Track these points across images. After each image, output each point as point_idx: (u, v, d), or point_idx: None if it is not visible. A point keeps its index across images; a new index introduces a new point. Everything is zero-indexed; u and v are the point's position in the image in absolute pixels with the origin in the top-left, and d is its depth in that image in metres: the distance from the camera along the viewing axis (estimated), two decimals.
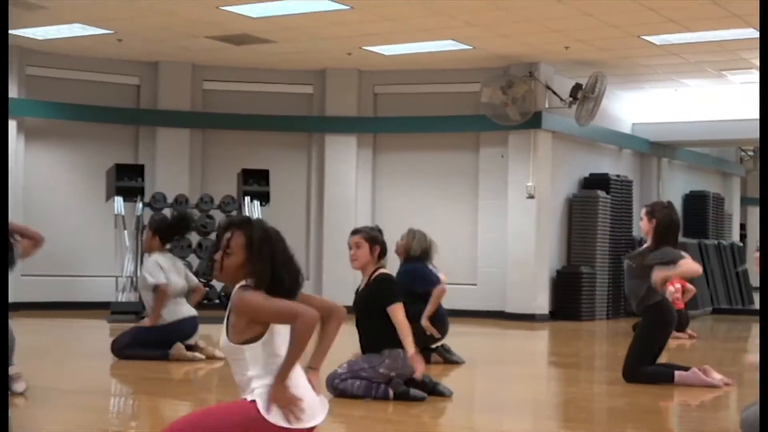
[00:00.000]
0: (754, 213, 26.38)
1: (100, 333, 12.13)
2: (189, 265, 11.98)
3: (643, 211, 8.15)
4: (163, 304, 9.02)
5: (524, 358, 9.60)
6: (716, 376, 7.73)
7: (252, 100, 16.19)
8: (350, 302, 14.85)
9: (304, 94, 16.39)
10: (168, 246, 9.55)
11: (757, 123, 18.57)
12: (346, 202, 16.17)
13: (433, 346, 9.18)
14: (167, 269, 9.13)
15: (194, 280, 9.69)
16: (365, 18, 12.58)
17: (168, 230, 9.46)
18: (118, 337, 9.23)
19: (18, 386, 6.71)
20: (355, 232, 7.03)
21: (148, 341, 9.05)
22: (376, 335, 6.87)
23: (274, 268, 3.95)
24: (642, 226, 8.10)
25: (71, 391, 7.53)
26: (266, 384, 3.99)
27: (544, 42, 13.78)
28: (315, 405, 4.04)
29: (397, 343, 6.78)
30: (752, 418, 5.38)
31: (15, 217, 14.48)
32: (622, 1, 11.54)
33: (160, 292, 9.02)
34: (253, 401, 3.98)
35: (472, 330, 13.50)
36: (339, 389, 6.77)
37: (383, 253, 6.99)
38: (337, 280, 15.42)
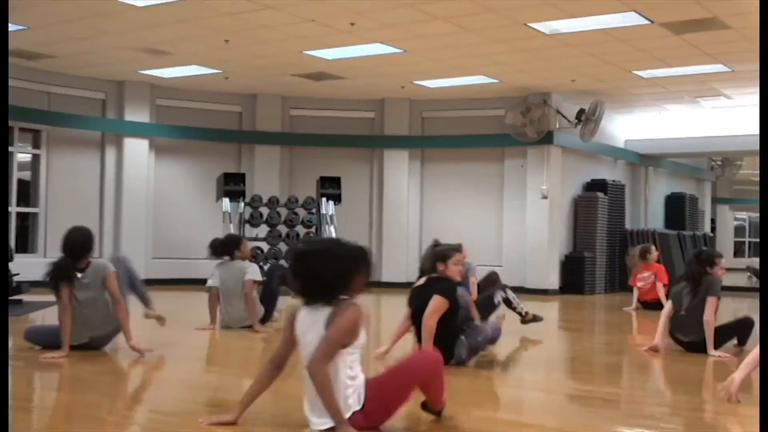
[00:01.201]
0: (722, 210, 26.06)
1: None
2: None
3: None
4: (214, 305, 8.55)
5: (539, 324, 9.49)
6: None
7: (327, 123, 16.27)
8: (403, 279, 14.75)
9: (367, 118, 16.42)
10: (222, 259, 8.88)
11: (725, 139, 18.13)
12: (400, 203, 16.18)
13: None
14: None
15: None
16: (415, 59, 12.58)
17: (219, 248, 8.88)
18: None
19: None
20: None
21: None
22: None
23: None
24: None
25: (188, 348, 7.63)
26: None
27: (556, 76, 13.69)
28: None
29: (448, 356, 5.87)
30: None
31: (147, 215, 14.80)
32: (617, 44, 11.44)
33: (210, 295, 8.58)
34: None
35: None
36: None
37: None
38: (393, 263, 15.70)
